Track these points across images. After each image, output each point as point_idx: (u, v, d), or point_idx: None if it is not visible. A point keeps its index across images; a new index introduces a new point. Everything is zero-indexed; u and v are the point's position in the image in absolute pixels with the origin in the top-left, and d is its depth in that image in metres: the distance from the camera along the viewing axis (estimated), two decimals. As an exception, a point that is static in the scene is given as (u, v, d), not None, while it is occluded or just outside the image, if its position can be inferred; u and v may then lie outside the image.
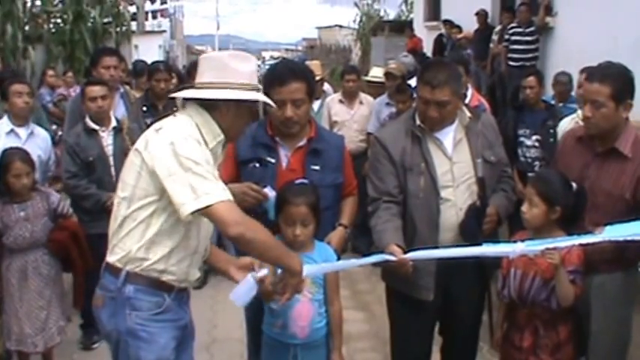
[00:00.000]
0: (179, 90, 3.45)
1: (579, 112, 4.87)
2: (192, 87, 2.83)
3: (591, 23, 8.61)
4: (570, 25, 9.41)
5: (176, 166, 2.51)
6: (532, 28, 10.00)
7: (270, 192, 3.27)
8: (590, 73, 3.33)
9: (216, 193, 2.49)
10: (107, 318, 2.74)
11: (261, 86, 2.92)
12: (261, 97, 2.84)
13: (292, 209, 3.11)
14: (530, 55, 9.93)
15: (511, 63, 10.15)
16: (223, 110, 2.74)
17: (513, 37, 10.16)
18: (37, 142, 4.97)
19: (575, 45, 8.96)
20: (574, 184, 3.23)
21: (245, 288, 2.82)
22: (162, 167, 2.54)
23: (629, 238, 2.90)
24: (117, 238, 2.71)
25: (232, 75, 2.72)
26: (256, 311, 3.32)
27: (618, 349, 3.44)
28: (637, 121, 3.57)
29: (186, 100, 2.88)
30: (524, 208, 3.24)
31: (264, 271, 2.84)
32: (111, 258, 2.72)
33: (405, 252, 3.10)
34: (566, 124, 4.92)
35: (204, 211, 2.49)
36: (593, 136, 3.30)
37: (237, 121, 2.80)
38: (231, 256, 3.10)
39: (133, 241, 2.66)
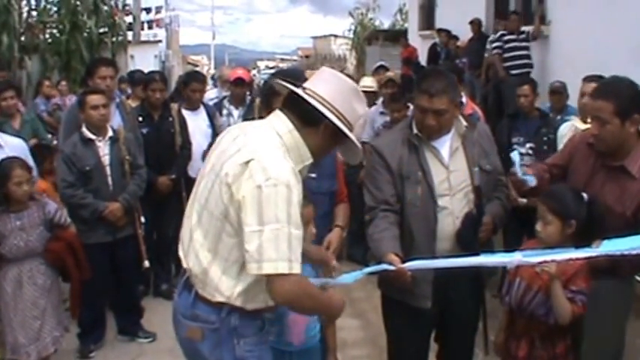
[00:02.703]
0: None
1: (576, 118, 4.92)
2: (302, 88, 2.60)
3: (586, 31, 8.67)
4: (565, 33, 9.47)
5: (255, 219, 2.34)
6: (523, 36, 10.09)
7: None
8: (595, 89, 3.28)
9: (279, 264, 2.33)
10: (210, 350, 2.58)
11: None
12: (355, 140, 2.63)
13: (302, 210, 3.12)
14: (526, 62, 10.00)
15: (511, 71, 10.06)
16: (320, 130, 2.53)
17: (508, 45, 10.16)
18: (7, 152, 4.65)
19: (570, 53, 9.04)
20: (585, 195, 3.18)
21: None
22: (246, 214, 2.37)
23: (625, 252, 2.90)
24: (208, 275, 2.53)
25: (348, 109, 2.56)
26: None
27: (612, 357, 3.45)
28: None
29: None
30: (539, 227, 3.19)
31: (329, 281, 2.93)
32: (206, 294, 2.55)
33: (403, 261, 3.10)
34: (565, 130, 4.90)
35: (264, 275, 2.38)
36: (601, 152, 3.26)
37: (324, 146, 2.61)
38: None
39: (229, 285, 2.51)
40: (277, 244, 2.33)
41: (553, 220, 3.15)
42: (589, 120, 3.33)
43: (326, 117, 2.50)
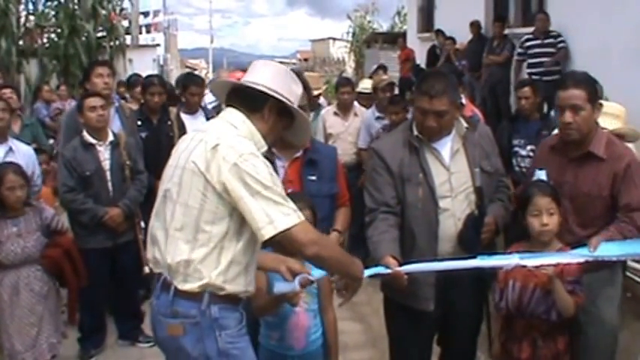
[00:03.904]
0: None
1: None
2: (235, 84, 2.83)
3: (585, 33, 8.68)
4: (564, 35, 9.45)
5: (244, 190, 2.50)
6: (549, 40, 9.34)
7: None
8: (561, 81, 3.48)
9: (289, 215, 2.51)
10: (192, 345, 2.64)
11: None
12: (305, 116, 2.86)
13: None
14: (555, 68, 9.15)
15: (538, 77, 9.06)
16: (265, 114, 2.72)
17: (531, 51, 9.54)
18: (17, 158, 4.81)
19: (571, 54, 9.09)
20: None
21: (288, 288, 2.90)
22: (231, 191, 2.52)
23: (622, 259, 3.15)
24: (188, 265, 2.61)
25: (286, 89, 2.75)
26: (252, 324, 3.33)
27: (606, 347, 3.50)
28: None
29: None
30: (545, 219, 3.24)
31: (309, 277, 2.92)
32: (185, 285, 2.63)
33: (401, 264, 3.10)
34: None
35: (282, 235, 2.50)
36: (568, 143, 3.39)
37: (275, 128, 2.79)
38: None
39: (210, 268, 2.60)
40: (276, 204, 2.50)
41: (557, 210, 3.26)
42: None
43: (267, 94, 2.69)
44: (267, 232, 2.49)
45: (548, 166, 3.48)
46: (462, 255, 3.30)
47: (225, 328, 2.65)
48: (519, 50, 9.98)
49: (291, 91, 2.76)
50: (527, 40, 9.74)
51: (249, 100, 2.72)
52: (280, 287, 2.92)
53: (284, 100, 2.72)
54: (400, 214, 3.37)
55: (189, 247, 2.61)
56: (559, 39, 9.29)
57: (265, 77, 2.73)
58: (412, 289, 3.26)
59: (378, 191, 3.40)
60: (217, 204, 2.56)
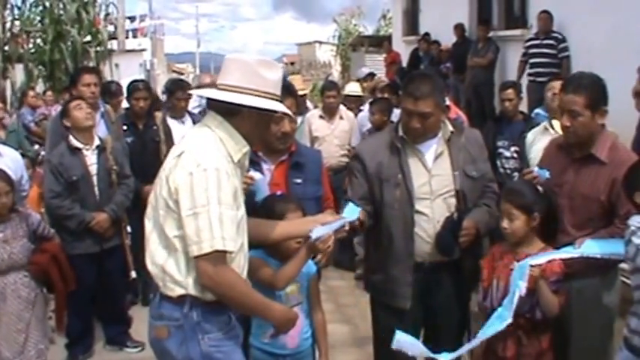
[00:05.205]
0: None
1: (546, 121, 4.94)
2: (214, 87, 2.77)
3: (586, 33, 8.72)
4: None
5: (189, 203, 2.50)
6: (548, 41, 9.22)
7: (255, 174, 3.34)
8: (564, 84, 3.44)
9: (214, 242, 2.48)
10: (176, 347, 2.66)
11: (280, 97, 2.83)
12: (284, 108, 2.80)
13: (290, 216, 3.14)
14: (554, 70, 8.96)
15: (532, 79, 9.25)
16: (245, 116, 2.68)
17: (531, 50, 9.49)
18: (6, 163, 4.73)
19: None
20: (540, 188, 3.37)
21: (325, 231, 2.95)
22: (180, 200, 2.52)
23: (606, 257, 3.12)
24: (165, 270, 2.64)
25: (259, 82, 2.67)
26: (242, 325, 3.34)
27: (600, 355, 3.48)
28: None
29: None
30: (505, 224, 3.30)
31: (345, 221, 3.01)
32: (166, 290, 2.65)
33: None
34: (536, 133, 4.92)
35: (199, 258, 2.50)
36: (571, 144, 3.41)
37: (257, 128, 2.75)
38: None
39: (184, 275, 2.61)
40: (211, 224, 2.47)
41: (519, 215, 3.28)
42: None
43: (238, 104, 2.63)
44: (191, 251, 2.50)
45: (552, 165, 3.47)
46: (440, 257, 3.38)
47: (208, 332, 2.65)
48: (522, 51, 9.79)
49: (264, 83, 2.67)
50: (529, 39, 9.69)
51: (223, 106, 2.68)
52: (318, 231, 2.92)
53: (255, 103, 2.65)
54: (377, 214, 3.42)
55: (166, 252, 2.63)
56: (562, 44, 9.12)
57: (235, 77, 2.68)
58: (390, 288, 3.37)
59: (353, 191, 3.49)
60: (178, 212, 2.55)
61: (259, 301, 2.73)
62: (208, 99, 2.78)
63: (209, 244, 2.47)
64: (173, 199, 2.55)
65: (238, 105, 2.63)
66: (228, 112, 2.68)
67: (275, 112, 2.75)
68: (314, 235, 2.92)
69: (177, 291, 2.62)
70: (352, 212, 3.15)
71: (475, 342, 3.17)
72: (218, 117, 2.69)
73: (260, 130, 2.79)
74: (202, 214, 2.48)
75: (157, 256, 2.66)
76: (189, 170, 2.52)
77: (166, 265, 2.63)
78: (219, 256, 2.51)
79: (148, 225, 2.72)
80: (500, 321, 3.08)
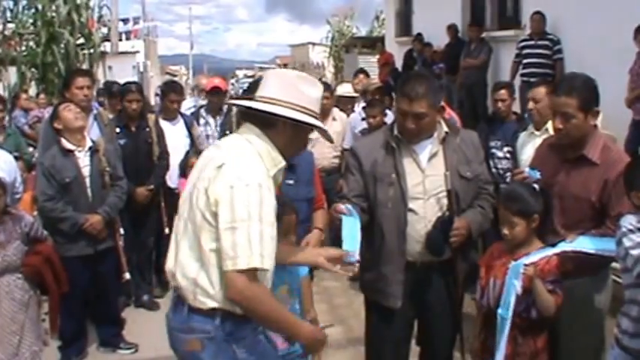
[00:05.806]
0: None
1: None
2: (251, 99, 2.74)
3: (573, 33, 8.78)
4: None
5: (228, 216, 2.46)
6: (543, 42, 9.29)
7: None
8: (557, 87, 3.45)
9: (252, 259, 2.44)
10: (212, 359, 2.64)
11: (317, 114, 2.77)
12: (321, 124, 2.75)
13: (284, 218, 3.14)
14: (547, 71, 9.06)
15: (525, 79, 9.18)
16: (280, 129, 2.64)
17: (524, 51, 9.51)
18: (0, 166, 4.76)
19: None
20: (536, 186, 3.35)
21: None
22: (220, 213, 2.48)
23: (599, 253, 3.13)
24: (198, 283, 2.60)
25: (297, 96, 2.64)
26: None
27: (590, 355, 3.49)
28: None
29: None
30: (505, 230, 3.29)
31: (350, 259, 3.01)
32: (197, 303, 2.62)
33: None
34: (525, 136, 4.98)
35: (232, 273, 2.47)
36: (563, 145, 3.42)
37: (293, 142, 2.71)
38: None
39: (217, 288, 2.57)
40: (250, 241, 2.44)
41: (518, 222, 3.28)
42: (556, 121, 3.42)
43: (275, 114, 2.60)
44: (226, 266, 2.46)
45: (543, 165, 3.48)
46: (431, 257, 3.39)
47: (240, 340, 2.65)
48: (516, 52, 9.82)
49: (302, 98, 2.65)
50: (522, 40, 9.71)
51: (261, 117, 2.64)
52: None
53: (292, 115, 2.62)
54: (370, 212, 3.43)
55: (198, 265, 2.59)
56: (557, 46, 9.17)
57: (274, 90, 2.66)
58: (382, 287, 3.38)
59: (349, 188, 3.49)
60: (215, 224, 2.51)
61: (288, 318, 2.73)
62: (245, 110, 2.74)
63: (246, 260, 2.43)
64: (211, 211, 2.51)
65: (275, 115, 2.61)
66: (265, 123, 2.64)
67: (312, 126, 2.71)
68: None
69: (209, 304, 2.59)
70: (352, 240, 3.10)
71: (500, 354, 3.22)
72: (255, 129, 2.66)
73: (295, 145, 2.76)
74: (241, 228, 2.44)
75: (188, 269, 2.62)
76: (230, 184, 2.48)
77: (199, 278, 2.58)
78: (252, 273, 2.47)
79: (179, 236, 2.68)
80: (503, 324, 3.15)
